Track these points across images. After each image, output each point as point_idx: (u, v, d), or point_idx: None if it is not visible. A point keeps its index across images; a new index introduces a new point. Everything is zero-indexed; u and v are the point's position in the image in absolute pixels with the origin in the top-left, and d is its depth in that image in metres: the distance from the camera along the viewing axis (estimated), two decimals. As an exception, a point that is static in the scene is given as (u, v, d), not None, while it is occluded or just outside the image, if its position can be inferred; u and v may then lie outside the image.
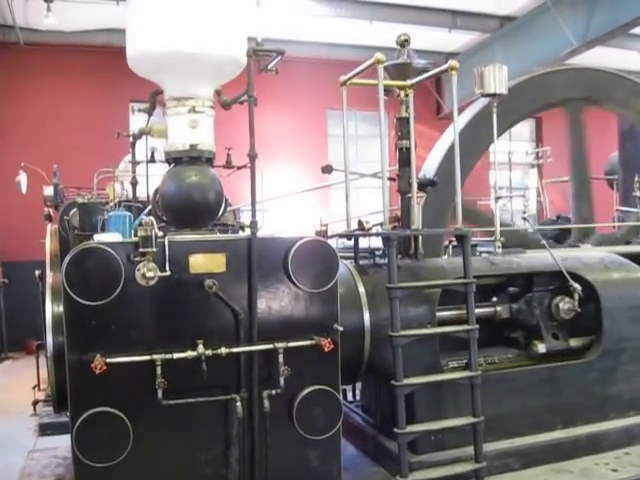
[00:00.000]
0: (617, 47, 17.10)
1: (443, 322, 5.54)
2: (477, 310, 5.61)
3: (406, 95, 5.53)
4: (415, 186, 5.46)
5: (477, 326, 5.15)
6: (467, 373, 5.17)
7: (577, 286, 5.82)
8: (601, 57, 16.75)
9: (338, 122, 5.99)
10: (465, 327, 5.16)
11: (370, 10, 15.44)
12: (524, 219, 6.94)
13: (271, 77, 5.21)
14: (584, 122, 8.38)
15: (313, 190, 10.20)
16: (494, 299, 6.09)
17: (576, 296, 5.85)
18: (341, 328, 4.78)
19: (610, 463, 5.66)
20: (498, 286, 6.17)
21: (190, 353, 4.32)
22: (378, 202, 5.36)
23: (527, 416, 5.76)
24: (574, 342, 6.17)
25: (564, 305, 5.93)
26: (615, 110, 9.30)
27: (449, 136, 6.68)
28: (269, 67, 5.08)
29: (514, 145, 16.75)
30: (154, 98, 5.55)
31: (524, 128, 21.25)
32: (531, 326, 6.05)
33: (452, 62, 5.23)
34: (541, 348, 5.91)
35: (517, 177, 18.32)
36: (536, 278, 6.08)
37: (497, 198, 6.01)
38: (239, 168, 5.18)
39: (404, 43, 5.87)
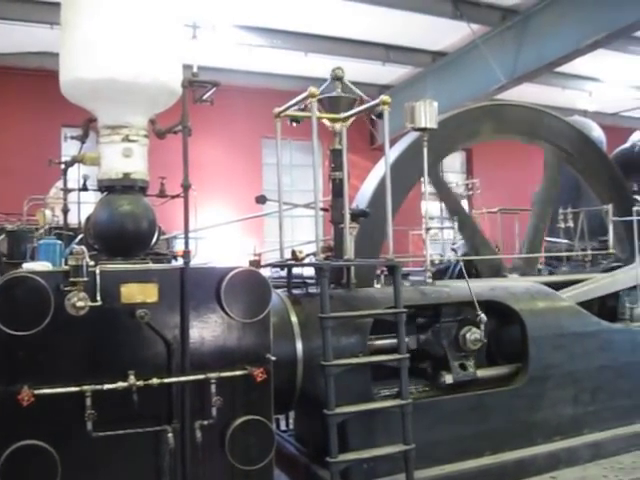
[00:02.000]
0: (543, 84, 17.76)
1: (376, 351, 5.61)
2: (387, 341, 5.69)
3: (338, 127, 5.63)
4: (348, 217, 5.55)
5: (408, 355, 5.24)
6: (398, 401, 5.23)
7: (483, 316, 5.89)
8: (528, 93, 17.40)
9: (273, 151, 6.08)
10: (396, 356, 5.24)
11: (305, 42, 15.65)
12: (453, 250, 7.11)
13: (207, 106, 5.24)
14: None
15: (247, 220, 10.20)
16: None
17: (482, 327, 5.92)
18: (274, 358, 4.79)
19: (537, 487, 5.80)
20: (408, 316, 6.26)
21: (121, 384, 4.26)
22: (313, 231, 5.43)
23: (457, 443, 5.85)
24: (496, 370, 6.33)
25: (471, 336, 5.99)
26: (541, 145, 9.63)
27: (381, 168, 6.81)
28: (204, 98, 5.11)
29: (446, 176, 17.17)
30: (87, 125, 5.50)
31: (455, 160, 21.77)
32: (438, 356, 6.10)
33: (384, 97, 5.36)
34: (448, 379, 5.94)
35: (448, 207, 18.77)
36: (444, 309, 6.13)
37: (427, 229, 6.14)
38: (172, 197, 5.16)
39: (338, 76, 5.99)
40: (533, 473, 6.04)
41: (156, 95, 4.97)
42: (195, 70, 4.99)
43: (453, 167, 21.65)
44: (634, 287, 7.53)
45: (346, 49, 16.01)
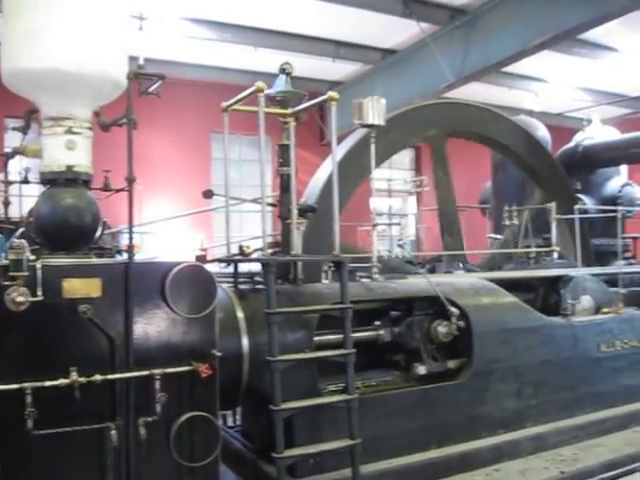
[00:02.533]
0: (490, 83, 18.01)
1: (324, 346, 5.62)
2: (360, 334, 5.77)
3: (286, 123, 5.62)
4: (295, 212, 5.54)
5: (353, 350, 5.26)
6: (344, 396, 5.25)
7: (455, 310, 6.06)
8: (476, 92, 17.63)
9: (222, 145, 6.02)
10: (342, 351, 5.26)
11: (255, 36, 15.54)
12: (400, 246, 7.17)
13: (154, 99, 5.17)
14: (446, 156, 8.77)
15: (194, 214, 10.11)
16: (377, 323, 6.23)
17: (453, 319, 6.08)
18: (219, 353, 4.77)
19: (481, 480, 5.89)
20: (382, 310, 6.34)
21: (63, 381, 4.18)
22: (261, 227, 5.41)
23: (403, 437, 5.91)
24: (451, 364, 6.42)
25: (442, 329, 6.16)
26: (488, 144, 9.80)
27: (330, 164, 6.84)
28: (150, 90, 5.04)
29: (395, 173, 17.30)
30: (29, 116, 5.37)
31: (404, 157, 21.93)
32: (411, 349, 6.25)
33: (331, 93, 5.38)
34: (421, 370, 6.12)
35: (397, 204, 18.89)
36: (417, 303, 6.29)
37: (374, 225, 6.18)
38: (117, 191, 5.07)
39: (287, 71, 5.97)
40: (477, 466, 6.14)
41: (100, 86, 4.89)
42: (141, 62, 4.91)
43: (402, 164, 21.82)
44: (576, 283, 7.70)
45: (296, 44, 15.95)
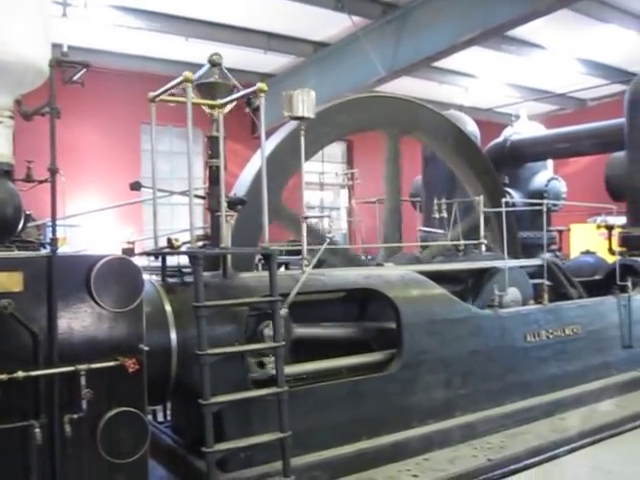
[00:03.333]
0: (421, 78, 18.25)
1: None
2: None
3: (214, 114, 5.55)
4: (224, 205, 5.48)
5: (283, 343, 5.25)
6: (274, 389, 5.23)
7: (284, 311, 5.55)
8: (407, 86, 17.83)
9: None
10: (270, 344, 5.24)
11: (185, 26, 15.34)
12: (329, 239, 7.19)
13: (81, 88, 5.03)
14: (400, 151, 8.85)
15: (122, 207, 9.91)
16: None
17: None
18: (146, 348, 4.69)
19: (411, 469, 5.99)
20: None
21: (-17, 378, 4.04)
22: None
23: (334, 429, 5.93)
24: (375, 356, 6.46)
25: (269, 331, 5.73)
26: (419, 138, 9.90)
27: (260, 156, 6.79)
28: (74, 79, 4.89)
29: (327, 166, 17.34)
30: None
31: (336, 150, 22.03)
32: None
33: (260, 84, 5.33)
34: None
35: (329, 197, 18.98)
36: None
37: (305, 217, 6.16)
38: (40, 182, 4.93)
39: (216, 62, 5.89)
40: (408, 455, 6.21)
41: (22, 74, 4.72)
42: (65, 49, 4.77)
43: (334, 157, 21.90)
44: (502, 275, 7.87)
45: (228, 35, 15.83)
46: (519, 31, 15.08)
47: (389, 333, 6.60)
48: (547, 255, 11.76)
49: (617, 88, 18.61)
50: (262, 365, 5.76)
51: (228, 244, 5.59)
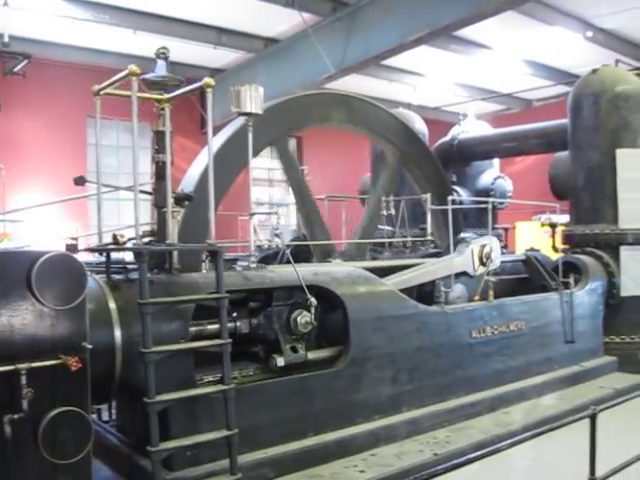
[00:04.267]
0: (371, 76, 18.33)
1: (201, 336, 5.55)
2: (215, 326, 5.67)
3: (162, 109, 5.48)
4: (171, 200, 5.42)
5: (230, 340, 5.22)
6: (220, 387, 5.20)
7: (313, 300, 6.04)
8: (356, 84, 17.89)
9: (100, 131, 5.81)
10: (218, 341, 5.20)
11: (134, 19, 15.07)
12: (276, 235, 7.17)
13: (25, 80, 4.92)
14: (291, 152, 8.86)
15: (66, 202, 9.73)
16: (234, 314, 6.13)
17: (312, 310, 6.09)
18: (90, 346, 4.61)
19: (358, 465, 6.04)
20: (241, 301, 6.30)
21: None
22: (141, 215, 5.26)
23: (281, 426, 5.93)
24: (324, 353, 6.47)
25: (301, 319, 6.14)
26: (367, 135, 9.94)
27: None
28: (15, 70, 4.78)
29: (276, 163, 17.23)
30: None
31: (286, 146, 21.96)
32: (270, 340, 6.21)
33: (208, 80, 5.28)
34: (280, 361, 6.07)
35: (279, 194, 18.94)
36: (276, 293, 6.23)
37: (252, 214, 6.14)
38: (-22, 176, 4.80)
39: (163, 56, 5.82)
40: (354, 451, 6.26)
41: (-42, 64, 4.60)
42: (6, 39, 4.65)
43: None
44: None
45: (177, 29, 15.63)
46: (467, 31, 15.27)
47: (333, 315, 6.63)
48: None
49: (562, 89, 18.99)
50: (295, 350, 6.15)
51: (174, 240, 5.53)
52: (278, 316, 6.19)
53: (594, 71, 10.70)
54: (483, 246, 8.10)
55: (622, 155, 10.24)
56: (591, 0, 14.54)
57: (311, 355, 6.36)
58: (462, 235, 8.84)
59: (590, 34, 16.27)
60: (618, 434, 5.17)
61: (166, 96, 5.50)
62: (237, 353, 6.17)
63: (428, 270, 7.77)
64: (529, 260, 9.49)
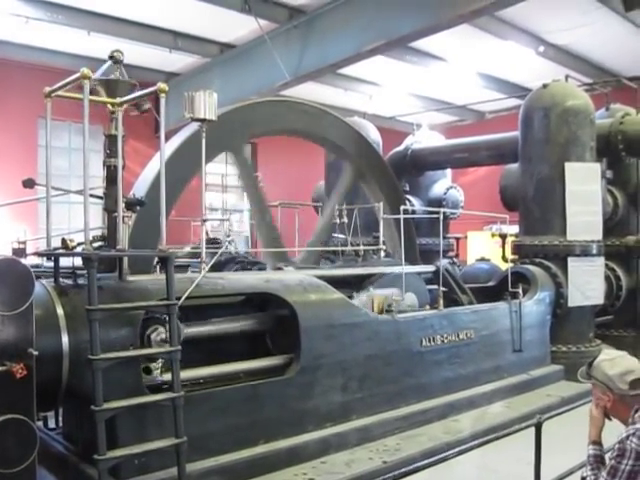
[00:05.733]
0: (327, 84, 18.40)
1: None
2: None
3: (114, 112, 5.43)
4: (122, 205, 5.36)
5: (179, 347, 5.18)
6: (169, 394, 5.16)
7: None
8: (312, 92, 17.95)
9: (52, 133, 5.72)
10: (167, 348, 5.16)
11: (88, 20, 14.84)
12: (228, 242, 7.13)
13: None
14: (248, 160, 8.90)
15: (16, 205, 9.53)
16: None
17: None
18: (36, 352, 4.53)
19: (308, 473, 6.05)
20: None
21: None
22: (93, 219, 5.20)
23: (231, 433, 5.90)
24: (274, 360, 6.49)
25: (157, 336, 5.54)
26: (322, 143, 9.99)
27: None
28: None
29: (231, 168, 17.15)
30: None
31: (241, 152, 21.86)
32: None
33: (161, 85, 5.24)
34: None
35: (232, 200, 18.83)
36: None
37: (204, 220, 6.11)
38: None
39: (117, 59, 5.77)
40: (305, 459, 6.26)
41: None
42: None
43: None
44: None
45: (133, 32, 15.44)
46: (422, 43, 15.44)
47: (284, 323, 6.61)
48: (444, 261, 12.11)
49: (514, 102, 19.30)
50: (149, 371, 5.55)
51: (125, 246, 5.47)
52: None
53: (545, 86, 10.93)
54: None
55: (571, 168, 10.48)
56: (543, 16, 14.82)
57: (255, 364, 6.28)
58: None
59: (542, 49, 16.59)
60: (563, 442, 5.26)
61: (118, 100, 5.44)
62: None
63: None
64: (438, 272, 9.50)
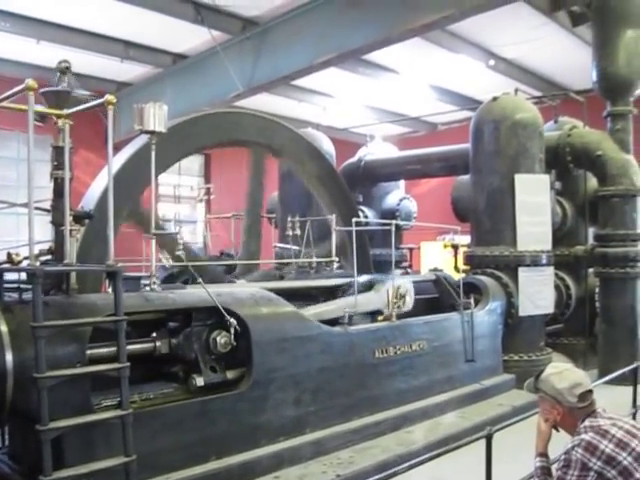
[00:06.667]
0: (281, 95, 18.41)
1: (100, 360, 5.37)
2: (135, 346, 5.58)
3: (61, 124, 5.33)
4: (69, 218, 5.25)
5: (128, 364, 5.06)
6: (118, 412, 5.05)
7: (233, 320, 6.04)
8: (266, 103, 17.95)
9: (-1, 142, 5.60)
10: (115, 365, 5.05)
11: (38, 28, 14.62)
12: (178, 255, 7.06)
13: None
14: (265, 166, 8.90)
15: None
16: (154, 334, 6.09)
17: (232, 330, 6.07)
18: (-22, 371, 4.39)
19: (261, 488, 5.95)
20: (159, 321, 6.20)
21: None
22: (43, 232, 5.07)
23: (182, 450, 5.79)
24: (230, 374, 6.40)
25: (221, 339, 6.12)
26: (273, 154, 9.98)
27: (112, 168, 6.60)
28: None
29: (184, 179, 17.06)
30: None
31: (194, 163, 21.72)
32: (190, 360, 6.15)
33: (109, 97, 5.16)
34: (199, 381, 6.03)
35: (186, 210, 18.69)
36: (196, 313, 6.19)
37: (154, 234, 6.02)
38: None
39: (65, 70, 5.67)
40: (258, 474, 6.19)
41: None
42: None
43: (191, 170, 21.58)
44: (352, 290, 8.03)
45: (83, 41, 15.25)
46: (375, 55, 15.58)
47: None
48: (398, 272, 12.17)
49: (466, 114, 19.57)
50: (214, 370, 6.15)
51: (73, 260, 5.36)
52: (198, 336, 6.14)
53: (495, 99, 11.09)
54: (398, 287, 8.20)
55: (520, 180, 10.64)
56: (494, 30, 15.09)
57: (230, 375, 6.31)
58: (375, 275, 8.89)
59: (492, 63, 16.89)
60: (514, 451, 5.31)
61: (65, 111, 5.34)
62: (156, 373, 6.25)
63: (343, 305, 7.83)
64: (439, 280, 9.70)
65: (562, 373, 3.76)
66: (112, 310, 5.16)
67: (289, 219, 9.38)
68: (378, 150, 15.37)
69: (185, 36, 15.17)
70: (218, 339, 6.14)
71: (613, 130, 11.70)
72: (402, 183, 15.92)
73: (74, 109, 5.36)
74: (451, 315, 9.36)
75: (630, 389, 7.84)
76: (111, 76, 17.77)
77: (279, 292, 7.16)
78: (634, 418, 7.56)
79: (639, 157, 11.81)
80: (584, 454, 3.32)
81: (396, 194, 15.44)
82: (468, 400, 9.03)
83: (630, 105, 11.74)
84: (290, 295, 7.42)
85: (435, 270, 12.56)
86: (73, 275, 5.43)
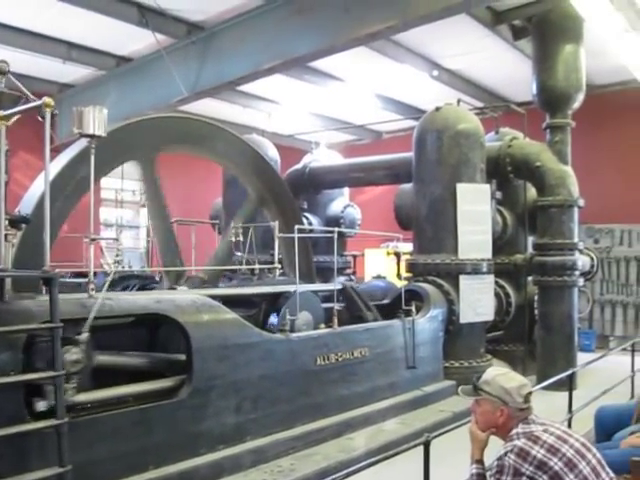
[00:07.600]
0: (226, 100, 18.32)
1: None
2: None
3: (-3, 126, 5.20)
4: (4, 223, 5.12)
5: (64, 372, 4.97)
6: (52, 421, 4.92)
7: (83, 335, 5.43)
8: (211, 108, 17.84)
9: None
10: (50, 373, 4.93)
11: (-26, 28, 14.26)
12: (116, 262, 6.94)
13: None
14: (157, 173, 8.77)
15: None
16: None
17: (82, 347, 5.42)
18: None
19: (200, 497, 5.90)
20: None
21: None
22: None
23: (119, 460, 5.68)
24: (164, 383, 6.32)
25: (70, 356, 5.32)
26: (215, 159, 9.92)
27: (50, 171, 6.46)
28: None
29: (125, 184, 16.76)
30: None
31: (137, 167, 21.37)
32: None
33: (46, 99, 5.06)
34: (41, 406, 5.14)
35: (129, 215, 18.44)
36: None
37: (92, 239, 5.91)
38: None
39: (1, 70, 5.53)
40: (197, 483, 6.12)
41: None
42: None
43: (133, 175, 21.23)
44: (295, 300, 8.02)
45: (24, 41, 14.86)
46: (321, 63, 15.61)
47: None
48: (341, 279, 12.23)
49: (410, 123, 19.77)
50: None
51: (8, 265, 5.22)
52: (44, 353, 5.21)
53: (437, 109, 11.26)
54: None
55: (462, 189, 10.82)
56: (438, 42, 15.29)
57: (83, 397, 5.58)
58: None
59: (436, 73, 17.10)
60: (453, 457, 5.37)
61: (1, 113, 5.21)
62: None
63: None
64: (346, 290, 9.68)
65: (508, 374, 3.84)
66: (47, 317, 5.04)
67: (232, 225, 9.33)
68: (323, 157, 15.44)
69: (130, 39, 14.93)
70: (66, 356, 5.26)
71: (552, 142, 12.01)
72: (347, 190, 16.02)
73: (10, 111, 5.23)
74: (393, 322, 9.44)
75: (567, 394, 8.03)
76: (53, 77, 17.34)
77: (221, 299, 7.12)
78: (570, 423, 7.75)
79: (576, 168, 12.14)
80: (516, 460, 3.39)
81: (340, 201, 15.53)
82: (409, 406, 9.13)
83: (568, 118, 12.07)
84: (232, 302, 7.38)
85: (378, 277, 12.70)
86: (8, 281, 5.29)
